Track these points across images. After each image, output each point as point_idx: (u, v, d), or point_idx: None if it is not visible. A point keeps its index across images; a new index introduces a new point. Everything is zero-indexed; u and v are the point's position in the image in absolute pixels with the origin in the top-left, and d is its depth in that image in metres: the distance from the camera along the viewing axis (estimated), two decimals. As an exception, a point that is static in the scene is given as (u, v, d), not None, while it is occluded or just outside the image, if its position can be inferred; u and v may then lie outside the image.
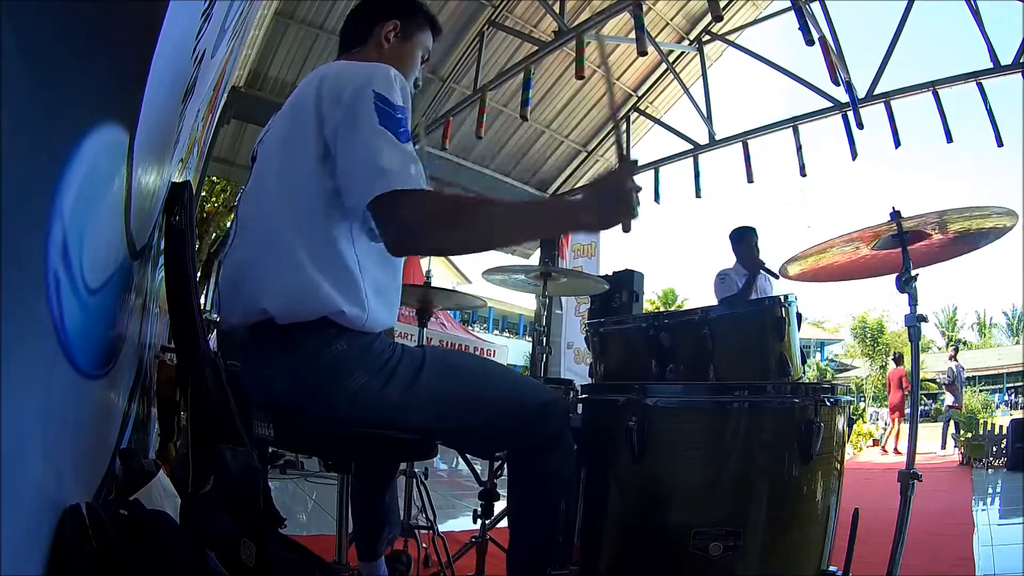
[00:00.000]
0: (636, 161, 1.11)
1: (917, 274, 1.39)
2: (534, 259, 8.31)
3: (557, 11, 5.20)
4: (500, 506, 1.66)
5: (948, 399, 8.84)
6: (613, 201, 1.01)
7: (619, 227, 1.03)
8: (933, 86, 5.01)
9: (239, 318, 1.09)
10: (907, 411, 8.75)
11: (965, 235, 1.42)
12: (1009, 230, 1.37)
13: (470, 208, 1.05)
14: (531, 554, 1.16)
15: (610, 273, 5.17)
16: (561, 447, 1.17)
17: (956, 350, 9.55)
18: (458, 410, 1.11)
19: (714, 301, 3.44)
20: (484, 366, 1.22)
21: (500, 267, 2.04)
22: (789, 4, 4.43)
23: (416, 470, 2.07)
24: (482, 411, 1.13)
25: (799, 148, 5.74)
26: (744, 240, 3.49)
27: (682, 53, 6.75)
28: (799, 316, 1.51)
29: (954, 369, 8.65)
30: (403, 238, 1.00)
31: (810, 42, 4.16)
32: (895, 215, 1.35)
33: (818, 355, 30.61)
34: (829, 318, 32.80)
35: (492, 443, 1.24)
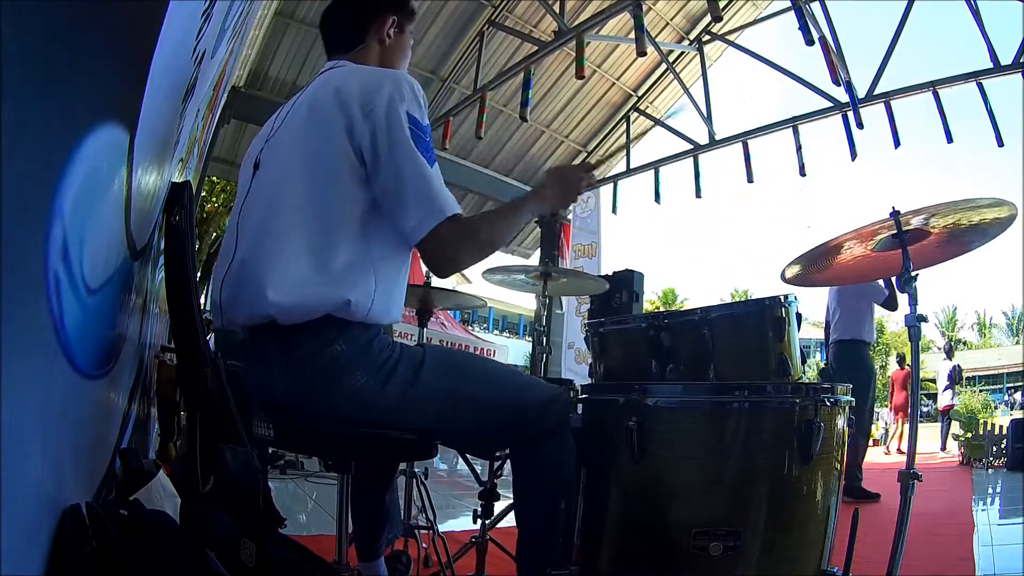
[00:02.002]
0: (594, 164, 1.38)
1: (917, 274, 1.39)
2: (534, 259, 8.31)
3: (557, 11, 5.20)
4: (500, 506, 1.66)
5: (946, 399, 8.94)
6: (563, 189, 1.28)
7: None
8: (933, 86, 5.01)
9: (241, 319, 1.09)
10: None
11: (962, 232, 1.41)
12: (1008, 224, 1.36)
13: (482, 224, 1.18)
14: (531, 552, 1.16)
15: (610, 273, 5.16)
16: (561, 441, 1.17)
17: (950, 350, 9.93)
18: (458, 409, 1.11)
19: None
20: (484, 365, 1.22)
21: (500, 267, 2.04)
22: (789, 4, 4.42)
23: (416, 470, 2.07)
24: (482, 409, 1.13)
25: (799, 148, 5.74)
26: None
27: (682, 53, 6.75)
28: (799, 316, 1.51)
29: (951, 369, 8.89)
30: (447, 264, 1.10)
31: (810, 42, 4.15)
32: (895, 214, 1.35)
33: (818, 355, 30.56)
34: (829, 318, 32.70)
35: (492, 441, 1.24)
